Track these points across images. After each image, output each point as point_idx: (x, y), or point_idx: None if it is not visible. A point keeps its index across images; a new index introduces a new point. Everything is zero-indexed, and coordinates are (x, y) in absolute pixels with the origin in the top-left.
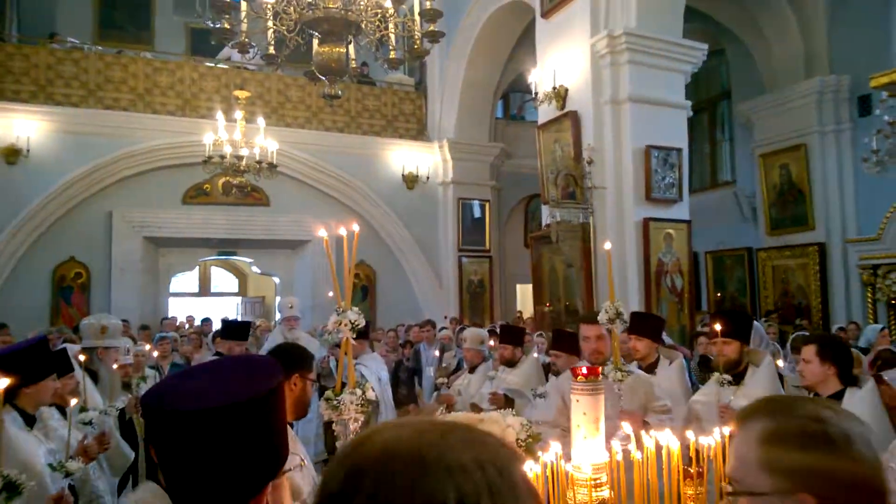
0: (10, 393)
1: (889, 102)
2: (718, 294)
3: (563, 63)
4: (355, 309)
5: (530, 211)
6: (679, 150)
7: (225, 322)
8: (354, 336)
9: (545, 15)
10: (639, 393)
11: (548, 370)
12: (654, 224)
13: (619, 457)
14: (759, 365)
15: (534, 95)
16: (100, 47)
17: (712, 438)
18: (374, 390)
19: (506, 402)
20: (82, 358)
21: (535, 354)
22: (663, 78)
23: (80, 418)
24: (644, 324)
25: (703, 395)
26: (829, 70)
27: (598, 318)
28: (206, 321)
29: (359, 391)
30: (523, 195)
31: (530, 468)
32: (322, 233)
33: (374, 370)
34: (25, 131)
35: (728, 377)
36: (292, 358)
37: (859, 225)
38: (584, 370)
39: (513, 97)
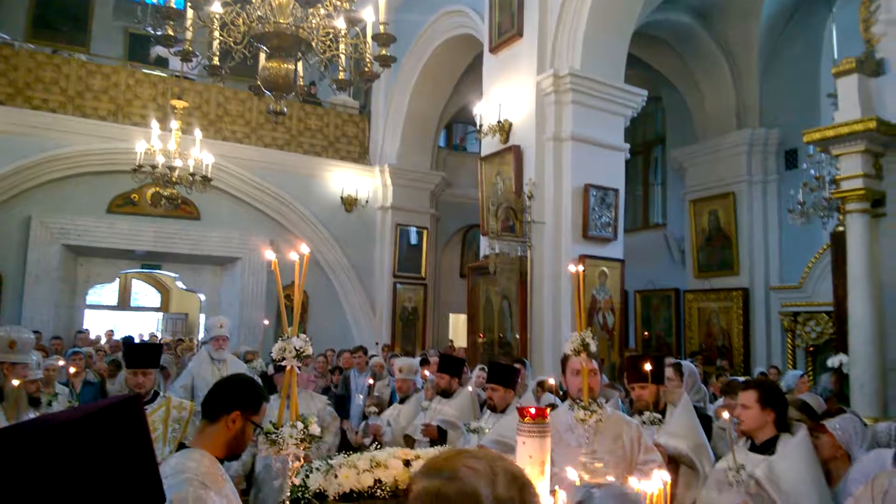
0: None
1: (816, 157)
2: (646, 333)
3: (508, 97)
4: (302, 336)
5: (468, 241)
6: (616, 191)
7: (129, 344)
8: (298, 365)
9: (493, 50)
10: (621, 440)
11: (483, 405)
12: (590, 261)
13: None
14: (677, 404)
15: (478, 127)
16: (32, 45)
17: (654, 485)
18: (317, 424)
19: (438, 433)
20: None
21: (471, 387)
22: (604, 120)
23: None
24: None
25: None
26: (759, 122)
27: (565, 349)
28: (126, 339)
29: (300, 424)
30: (461, 225)
31: None
32: (269, 254)
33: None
34: None
35: (658, 416)
36: (236, 392)
37: (782, 273)
38: (533, 410)
39: (455, 127)
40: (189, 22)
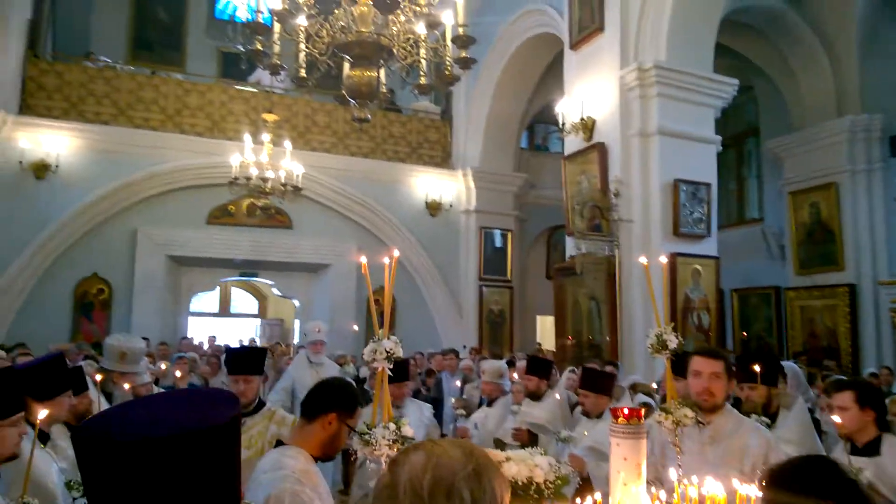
0: (25, 408)
1: None
2: (744, 333)
3: (590, 94)
4: (393, 338)
5: (553, 242)
6: (708, 185)
7: (231, 350)
8: (391, 367)
9: (574, 47)
10: (749, 454)
11: (574, 407)
12: (682, 259)
13: None
14: (791, 408)
15: (560, 126)
16: (132, 67)
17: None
18: (411, 427)
19: (529, 437)
20: (98, 378)
21: (561, 390)
22: (693, 112)
23: None
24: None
25: None
26: (860, 108)
27: (649, 344)
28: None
29: (392, 426)
30: (546, 226)
31: None
32: (362, 259)
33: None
34: (55, 147)
35: (767, 419)
36: (335, 395)
37: (892, 266)
38: (626, 411)
39: (538, 128)
40: (276, 36)
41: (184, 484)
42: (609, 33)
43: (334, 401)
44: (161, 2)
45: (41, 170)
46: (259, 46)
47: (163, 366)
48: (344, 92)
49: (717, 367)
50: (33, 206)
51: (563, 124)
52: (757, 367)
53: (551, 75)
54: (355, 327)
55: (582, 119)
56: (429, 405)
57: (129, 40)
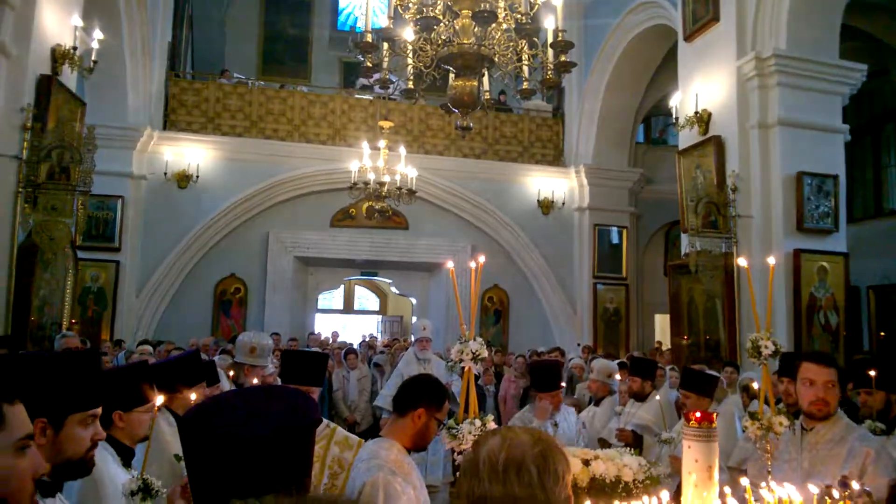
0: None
1: None
2: (882, 333)
3: (706, 86)
4: (479, 339)
5: (671, 238)
6: (835, 178)
7: (289, 357)
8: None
9: (688, 38)
10: (848, 463)
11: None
12: (806, 256)
13: None
14: None
15: (675, 120)
16: (262, 82)
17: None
18: (564, 434)
19: (634, 438)
20: (231, 372)
21: (667, 388)
22: (817, 100)
23: None
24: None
25: None
26: None
27: (749, 349)
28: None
29: (478, 421)
30: (664, 222)
31: None
32: (449, 264)
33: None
34: (195, 159)
35: (881, 425)
36: (422, 391)
37: None
38: (699, 414)
39: (654, 121)
40: (385, 52)
41: (271, 473)
42: (725, 23)
43: (422, 396)
44: (288, 19)
45: (184, 180)
46: (369, 63)
47: None
48: (448, 102)
49: (831, 376)
50: (177, 212)
51: (677, 118)
52: (872, 372)
53: (668, 67)
54: (462, 325)
55: (696, 112)
56: (572, 409)
57: (259, 56)
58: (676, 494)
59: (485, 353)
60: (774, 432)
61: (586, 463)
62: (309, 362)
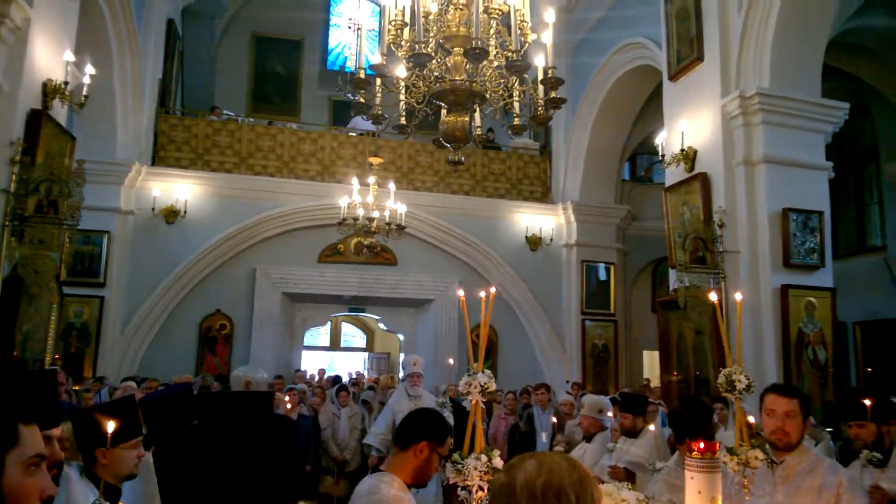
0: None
1: None
2: (869, 369)
3: (691, 125)
4: (487, 372)
5: (659, 274)
6: (820, 214)
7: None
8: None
9: (673, 78)
10: (823, 494)
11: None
12: (794, 292)
13: None
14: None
15: (660, 158)
16: (252, 119)
17: None
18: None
19: (626, 476)
20: None
21: (661, 424)
22: (801, 138)
23: None
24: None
25: None
26: None
27: (721, 384)
28: (338, 378)
29: (484, 457)
30: (651, 258)
31: None
32: (460, 292)
33: None
34: (183, 194)
35: (878, 455)
36: (425, 425)
37: None
38: (702, 445)
39: (640, 159)
40: (378, 89)
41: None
42: (709, 62)
43: (425, 430)
44: (278, 57)
45: (171, 215)
46: (361, 100)
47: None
48: (440, 137)
49: (791, 406)
50: (164, 248)
51: (663, 156)
52: (867, 402)
53: (653, 105)
54: (451, 361)
55: (682, 150)
56: None
57: (249, 94)
58: None
59: (493, 387)
60: (751, 467)
61: None
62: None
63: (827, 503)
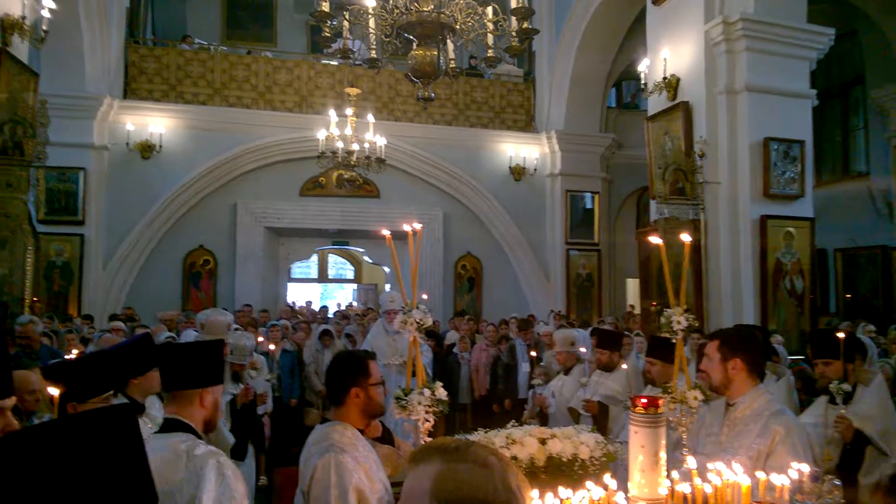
0: (121, 384)
1: None
2: (848, 296)
3: (674, 51)
4: (422, 307)
5: (644, 203)
6: (802, 143)
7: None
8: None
9: (656, 1)
10: (760, 440)
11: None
12: (773, 222)
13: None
14: (870, 384)
15: (643, 86)
16: (225, 48)
17: (786, 477)
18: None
19: (600, 408)
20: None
21: (635, 356)
22: (785, 65)
23: None
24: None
25: (812, 417)
26: None
27: (662, 325)
28: (323, 308)
29: (427, 391)
30: (636, 186)
31: (587, 496)
32: (385, 232)
33: None
34: (158, 128)
35: (847, 386)
36: (343, 373)
37: None
38: (644, 400)
39: (626, 85)
40: (345, 20)
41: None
42: None
43: (346, 377)
44: None
45: (146, 150)
46: (327, 32)
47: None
48: (408, 72)
49: (709, 349)
50: (142, 184)
51: (645, 84)
52: (841, 334)
53: (639, 30)
54: (425, 296)
55: (665, 78)
56: None
57: (223, 21)
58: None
59: (429, 322)
60: (689, 406)
61: (543, 442)
62: (197, 357)
63: (760, 450)
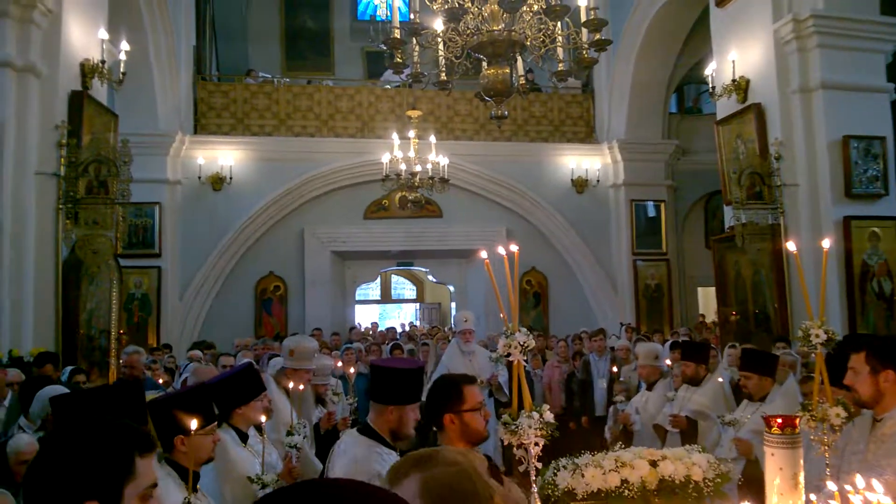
0: (225, 415)
1: None
2: None
3: (742, 53)
4: (523, 329)
5: (711, 208)
6: (882, 139)
7: (382, 375)
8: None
9: (720, 3)
10: None
11: (738, 390)
12: (857, 223)
13: None
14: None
15: (710, 89)
16: (287, 79)
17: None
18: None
19: (688, 424)
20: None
21: (724, 371)
22: (859, 60)
23: (287, 441)
24: None
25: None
26: None
27: (800, 338)
28: (391, 329)
29: (536, 414)
30: (703, 192)
31: None
32: (483, 254)
33: None
34: (227, 161)
35: None
36: (443, 399)
37: None
38: (780, 420)
39: (687, 90)
40: (415, 47)
41: None
42: None
43: (444, 405)
44: (308, 13)
45: (217, 182)
46: (399, 59)
47: (330, 361)
48: (481, 91)
49: (854, 361)
50: (214, 215)
51: (713, 87)
52: None
53: (699, 33)
54: (503, 315)
55: (734, 80)
56: None
57: (282, 53)
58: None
59: (532, 344)
60: (831, 424)
61: (653, 464)
62: (401, 380)
63: None
